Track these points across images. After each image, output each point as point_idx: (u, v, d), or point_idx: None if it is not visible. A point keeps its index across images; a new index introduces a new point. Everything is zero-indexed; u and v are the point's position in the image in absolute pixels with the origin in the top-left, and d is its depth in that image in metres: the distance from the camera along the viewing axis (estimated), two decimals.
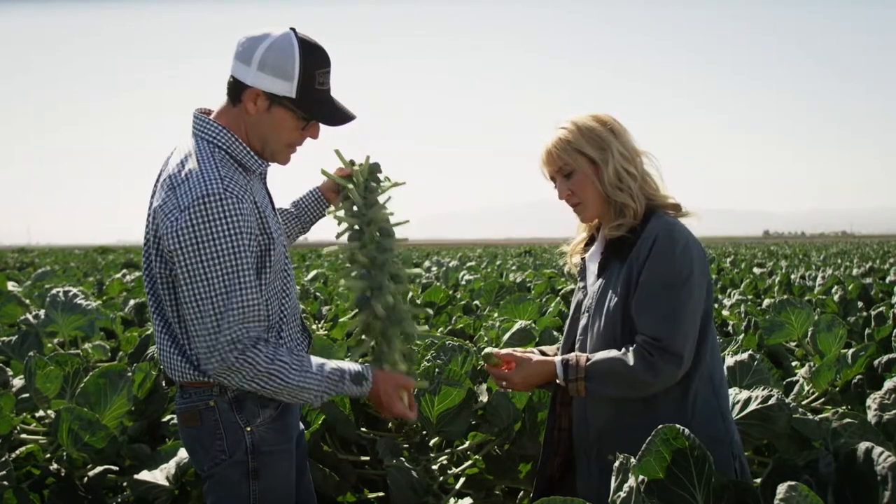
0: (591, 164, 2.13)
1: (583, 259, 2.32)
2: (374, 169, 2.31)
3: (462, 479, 3.25)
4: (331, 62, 2.02)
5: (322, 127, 2.09)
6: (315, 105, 2.00)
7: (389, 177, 2.34)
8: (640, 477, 1.59)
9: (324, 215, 2.45)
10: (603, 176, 2.11)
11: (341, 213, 2.26)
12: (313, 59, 1.98)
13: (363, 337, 2.23)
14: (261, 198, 2.01)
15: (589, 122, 2.15)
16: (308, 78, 1.96)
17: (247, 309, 1.88)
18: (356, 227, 2.24)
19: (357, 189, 2.26)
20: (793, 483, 1.45)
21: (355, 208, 2.25)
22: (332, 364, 2.02)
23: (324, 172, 2.34)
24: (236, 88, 1.99)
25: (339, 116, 2.05)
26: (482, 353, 2.23)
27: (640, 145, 2.19)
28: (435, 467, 3.26)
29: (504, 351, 2.26)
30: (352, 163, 2.33)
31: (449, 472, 3.27)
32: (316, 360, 2.02)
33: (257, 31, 1.98)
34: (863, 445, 1.71)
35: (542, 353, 2.26)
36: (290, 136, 2.04)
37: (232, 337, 1.87)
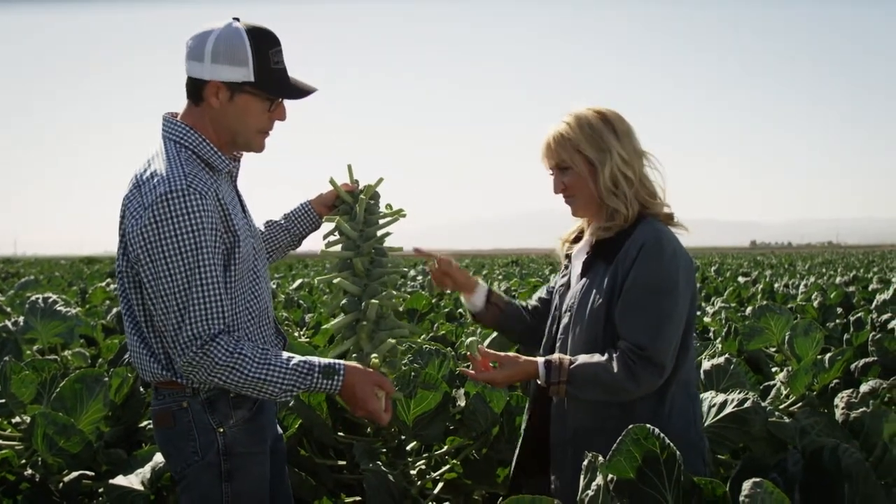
0: (588, 164, 2.11)
1: (568, 255, 2.32)
2: (376, 194, 2.36)
3: (440, 484, 3.25)
4: (280, 41, 2.02)
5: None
6: (276, 83, 2.01)
7: (391, 204, 2.38)
8: (610, 476, 1.58)
9: (315, 229, 2.45)
10: (598, 178, 2.10)
11: (339, 220, 2.29)
12: (263, 40, 1.98)
13: (346, 337, 2.22)
14: (228, 197, 2.01)
15: (592, 118, 2.12)
16: (263, 59, 1.97)
17: (209, 305, 1.88)
18: (352, 240, 2.25)
19: (360, 207, 2.29)
20: (757, 480, 1.44)
21: (348, 226, 2.27)
22: (300, 358, 1.96)
23: (332, 182, 2.38)
24: (195, 87, 2.00)
25: (302, 90, 2.06)
26: (467, 343, 2.22)
27: (644, 146, 2.16)
28: (413, 472, 3.25)
29: (488, 350, 2.25)
30: (356, 182, 2.39)
31: (427, 476, 3.26)
32: (284, 354, 1.98)
33: (199, 28, 1.99)
34: (829, 443, 1.72)
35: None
36: (258, 121, 2.04)
37: (194, 332, 1.86)
